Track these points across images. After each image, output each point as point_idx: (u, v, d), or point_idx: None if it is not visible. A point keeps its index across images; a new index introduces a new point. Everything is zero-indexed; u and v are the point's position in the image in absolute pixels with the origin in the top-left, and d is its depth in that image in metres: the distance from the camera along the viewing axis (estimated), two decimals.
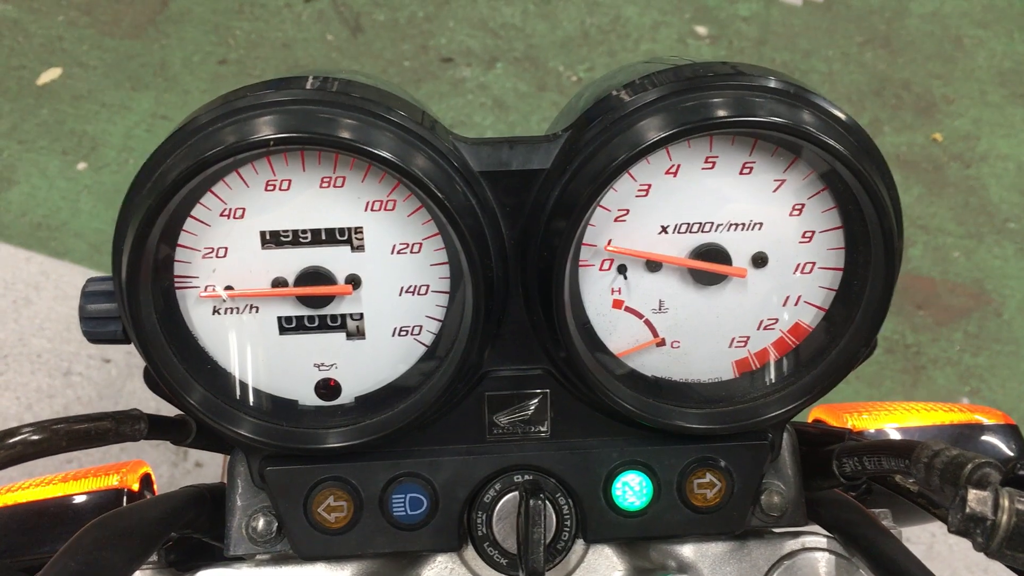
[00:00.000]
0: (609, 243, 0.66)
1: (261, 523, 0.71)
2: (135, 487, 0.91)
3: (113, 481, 0.92)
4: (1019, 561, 0.54)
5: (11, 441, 0.59)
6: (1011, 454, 0.94)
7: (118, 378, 2.72)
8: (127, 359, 2.72)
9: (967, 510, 0.54)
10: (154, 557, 0.75)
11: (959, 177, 3.01)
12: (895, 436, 0.94)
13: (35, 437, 0.60)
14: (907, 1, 3.37)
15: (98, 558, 0.63)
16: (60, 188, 3.03)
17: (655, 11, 3.25)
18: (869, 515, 0.75)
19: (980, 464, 0.58)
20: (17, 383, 2.64)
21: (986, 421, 0.99)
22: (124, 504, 0.90)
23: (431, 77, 3.16)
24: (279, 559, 0.74)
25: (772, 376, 0.70)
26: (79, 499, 0.91)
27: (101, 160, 3.07)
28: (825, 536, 0.76)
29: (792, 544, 0.75)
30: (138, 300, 0.62)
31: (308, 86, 0.63)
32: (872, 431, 0.95)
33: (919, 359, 2.67)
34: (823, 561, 0.75)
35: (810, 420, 0.98)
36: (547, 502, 0.67)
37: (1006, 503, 0.54)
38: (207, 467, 2.47)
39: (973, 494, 0.54)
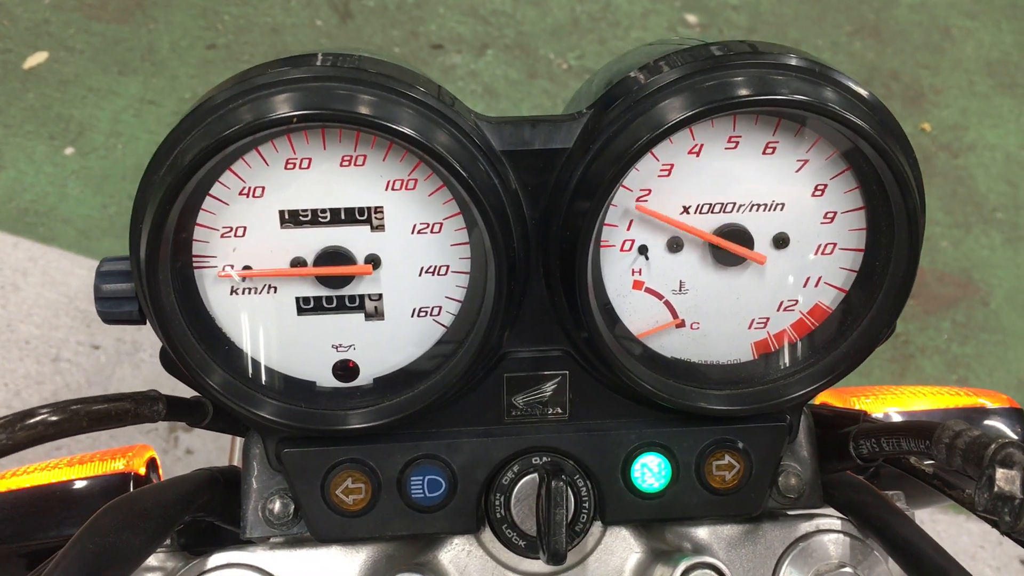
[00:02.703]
0: (631, 224, 0.66)
1: (278, 505, 0.70)
2: (141, 471, 0.90)
3: (119, 465, 0.91)
4: None
5: (31, 421, 0.59)
6: (1015, 438, 0.95)
7: (107, 365, 2.70)
8: (116, 346, 2.70)
9: (995, 489, 0.55)
10: (167, 540, 0.74)
11: (947, 167, 3.03)
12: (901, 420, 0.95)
13: (54, 417, 0.59)
14: None
15: (116, 540, 0.62)
16: (47, 173, 3.00)
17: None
18: (883, 497, 0.75)
19: (1004, 444, 0.58)
20: (5, 369, 2.62)
21: (990, 405, 1.00)
22: (131, 488, 0.89)
23: (421, 64, 3.14)
24: (293, 542, 0.74)
25: (791, 358, 0.70)
26: (85, 483, 0.90)
27: (89, 145, 3.04)
28: (839, 518, 0.76)
29: (807, 526, 0.75)
30: (157, 280, 0.61)
31: (324, 63, 0.62)
32: (879, 415, 0.96)
33: (907, 348, 2.69)
34: (838, 542, 0.75)
35: (816, 403, 0.98)
36: (567, 484, 0.66)
37: None
38: (198, 454, 2.46)
39: (1001, 473, 0.55)
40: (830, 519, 0.76)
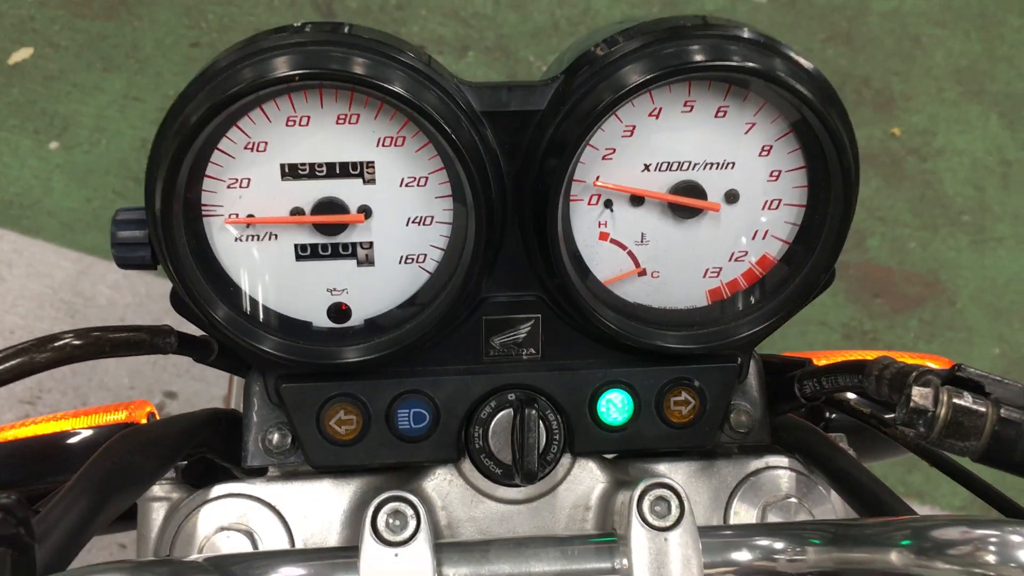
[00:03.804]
0: (597, 179, 0.73)
1: (276, 437, 0.77)
2: (143, 422, 0.96)
3: (121, 416, 0.97)
4: (955, 448, 0.62)
5: (57, 344, 0.65)
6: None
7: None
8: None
9: (911, 404, 0.62)
10: (171, 473, 0.81)
11: (916, 171, 3.11)
12: None
13: (78, 341, 0.66)
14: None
15: (130, 462, 0.69)
16: (32, 167, 3.04)
17: (624, 3, 3.33)
18: (825, 436, 0.83)
19: (924, 371, 0.66)
20: None
21: (933, 367, 1.08)
22: None
23: None
24: (288, 475, 0.80)
25: (742, 303, 0.77)
26: (90, 432, 0.95)
27: (73, 140, 3.08)
28: (787, 456, 0.83)
29: (757, 463, 0.83)
30: (171, 227, 0.68)
31: (320, 29, 0.69)
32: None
33: (876, 345, 2.77)
34: (785, 477, 0.82)
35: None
36: (539, 415, 0.73)
37: (945, 397, 0.62)
38: None
39: (917, 390, 0.62)
40: (778, 457, 0.83)
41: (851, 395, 0.89)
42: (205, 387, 2.68)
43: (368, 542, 0.66)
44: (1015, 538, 0.56)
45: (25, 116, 3.13)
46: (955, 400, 0.61)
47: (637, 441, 0.78)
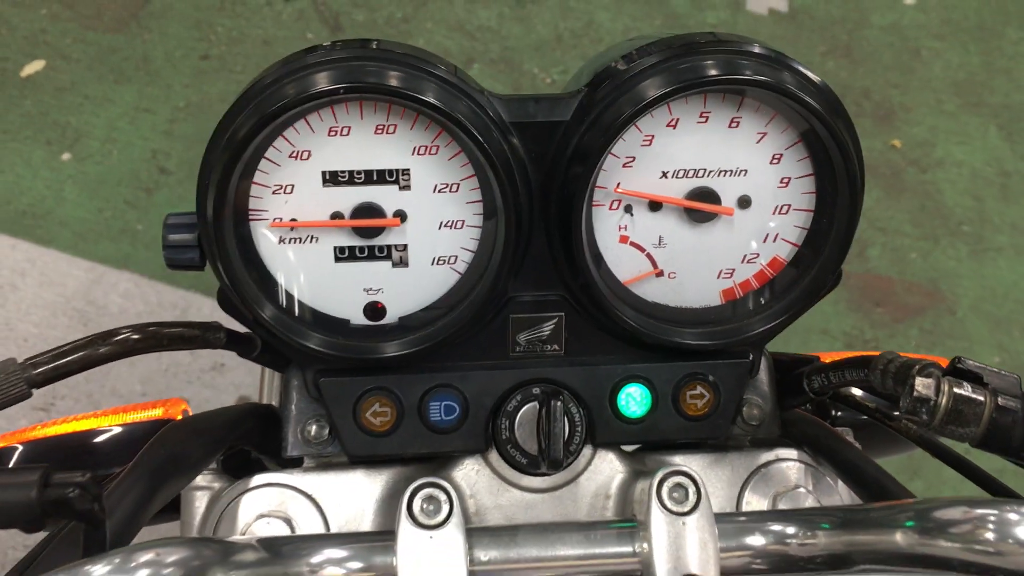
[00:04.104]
0: (618, 186, 0.78)
1: (314, 428, 0.82)
2: (178, 418, 1.01)
3: (157, 413, 1.02)
4: (955, 434, 0.66)
5: (118, 338, 0.70)
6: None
7: None
8: None
9: (915, 394, 0.67)
10: (212, 465, 0.85)
11: (916, 182, 3.15)
12: None
13: (137, 335, 0.71)
14: (868, 13, 3.53)
15: (182, 449, 0.73)
16: (44, 178, 3.08)
17: (626, 17, 3.39)
18: (832, 430, 0.88)
19: (926, 364, 0.70)
20: None
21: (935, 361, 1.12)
22: None
23: None
24: (324, 466, 0.85)
25: (753, 302, 0.82)
26: (128, 428, 1.00)
27: (85, 151, 3.12)
28: (796, 449, 0.88)
29: (768, 455, 0.87)
30: (222, 231, 0.73)
31: (358, 46, 0.73)
32: None
33: None
34: (794, 469, 0.87)
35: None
36: (563, 406, 0.78)
37: (946, 387, 0.66)
38: None
39: (920, 380, 0.67)
40: (788, 450, 0.88)
41: (857, 392, 0.94)
42: (215, 394, 2.72)
43: (404, 525, 0.70)
44: (1012, 516, 0.60)
45: (37, 127, 3.18)
46: (956, 390, 0.66)
47: (655, 433, 0.83)
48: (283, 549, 0.69)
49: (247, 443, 0.85)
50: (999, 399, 0.65)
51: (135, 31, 3.44)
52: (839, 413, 0.99)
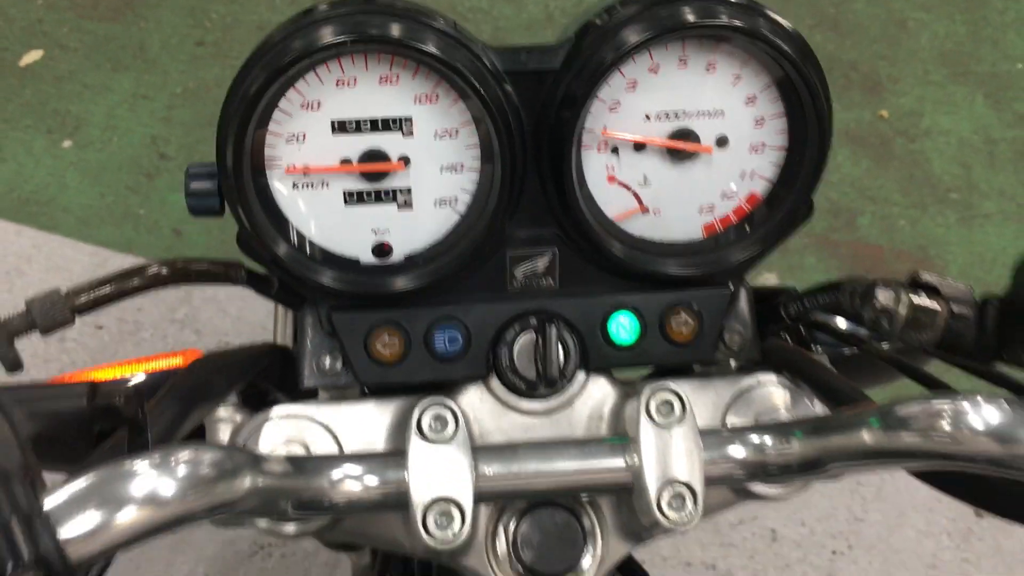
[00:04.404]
0: (605, 129, 0.84)
1: (328, 361, 0.88)
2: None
3: (178, 361, 1.08)
4: (914, 339, 0.73)
5: (150, 272, 0.76)
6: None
7: (110, 343, 2.83)
8: (118, 326, 2.83)
9: (877, 305, 0.74)
10: (233, 399, 0.91)
11: (904, 151, 3.20)
12: None
13: (166, 270, 0.77)
14: None
15: (209, 379, 0.80)
16: (46, 165, 3.13)
17: None
18: (808, 354, 0.94)
19: (889, 280, 0.77)
20: None
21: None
22: None
23: None
24: (338, 398, 0.91)
25: (733, 235, 0.89)
26: (151, 376, 1.06)
27: (85, 138, 3.17)
28: (775, 374, 0.94)
29: (749, 380, 0.93)
30: (241, 178, 0.79)
31: (357, 3, 0.79)
32: None
33: None
34: (774, 392, 0.93)
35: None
36: (558, 332, 0.85)
37: (906, 298, 0.73)
38: None
39: (881, 292, 0.74)
40: (768, 375, 0.94)
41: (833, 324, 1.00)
42: None
43: (414, 440, 0.77)
44: (965, 404, 0.67)
45: (38, 116, 3.23)
46: (914, 299, 0.73)
47: (644, 358, 0.89)
48: (306, 465, 0.76)
49: (266, 380, 0.91)
50: (953, 307, 0.72)
51: (131, 19, 3.48)
52: (819, 347, 1.06)
